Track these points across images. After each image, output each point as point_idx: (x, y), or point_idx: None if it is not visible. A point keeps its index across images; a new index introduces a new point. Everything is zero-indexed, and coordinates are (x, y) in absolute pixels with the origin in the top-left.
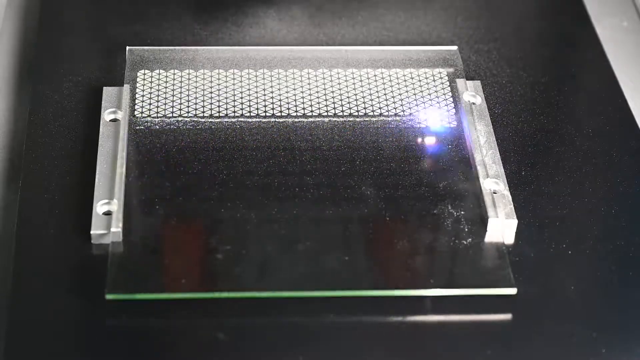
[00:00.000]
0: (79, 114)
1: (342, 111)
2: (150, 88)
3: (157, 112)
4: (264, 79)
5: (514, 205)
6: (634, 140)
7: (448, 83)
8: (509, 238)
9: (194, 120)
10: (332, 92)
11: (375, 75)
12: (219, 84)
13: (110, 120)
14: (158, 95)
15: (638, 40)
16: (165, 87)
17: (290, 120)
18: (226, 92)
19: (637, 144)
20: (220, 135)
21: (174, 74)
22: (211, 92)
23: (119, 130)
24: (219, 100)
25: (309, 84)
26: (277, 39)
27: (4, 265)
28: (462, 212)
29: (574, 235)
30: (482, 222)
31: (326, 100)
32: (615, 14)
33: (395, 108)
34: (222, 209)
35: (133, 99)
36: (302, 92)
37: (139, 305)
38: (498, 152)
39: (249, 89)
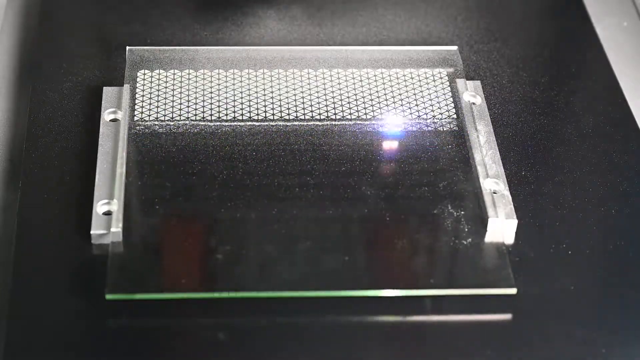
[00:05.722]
0: (79, 114)
1: (342, 111)
2: (150, 88)
3: (157, 112)
4: (264, 79)
5: (514, 205)
6: (634, 140)
7: (448, 83)
8: (509, 238)
9: (194, 121)
10: (332, 92)
11: (375, 75)
12: (218, 84)
13: (110, 120)
14: (158, 96)
15: (638, 40)
16: (165, 87)
17: (290, 120)
18: (226, 92)
19: (637, 144)
20: (220, 135)
21: (174, 74)
22: (211, 92)
23: (119, 130)
24: (219, 100)
25: (309, 84)
26: (277, 39)
27: (4, 265)
28: (462, 212)
29: (574, 235)
30: (482, 222)
31: (326, 100)
32: (615, 14)
33: (395, 108)
34: (222, 209)
35: (133, 99)
36: (302, 92)
37: (139, 305)
38: (498, 152)
39: (248, 89)
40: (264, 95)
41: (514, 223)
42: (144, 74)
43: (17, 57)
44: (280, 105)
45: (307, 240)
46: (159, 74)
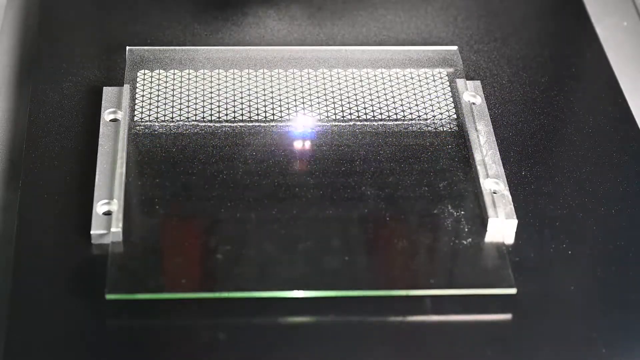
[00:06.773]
0: (79, 114)
1: (342, 111)
2: (150, 88)
3: (157, 112)
4: (263, 79)
5: (514, 205)
6: (634, 140)
7: (448, 83)
8: (509, 238)
9: (193, 120)
10: (332, 92)
11: (375, 76)
12: (218, 84)
13: (110, 120)
14: (158, 96)
15: (638, 40)
16: (165, 87)
17: (289, 120)
18: (226, 92)
19: (637, 144)
20: (220, 135)
21: (174, 74)
22: (211, 92)
23: (119, 130)
24: (218, 100)
25: (308, 84)
26: (277, 39)
27: (4, 265)
28: (462, 212)
29: (574, 235)
30: (482, 222)
31: (326, 100)
32: (615, 14)
33: (395, 108)
34: (222, 209)
35: (133, 99)
36: (302, 92)
37: (139, 305)
38: (498, 152)
39: (248, 89)
40: (264, 95)
41: (514, 223)
42: (144, 74)
43: (17, 57)
44: (280, 106)
45: (307, 240)
46: (159, 74)
